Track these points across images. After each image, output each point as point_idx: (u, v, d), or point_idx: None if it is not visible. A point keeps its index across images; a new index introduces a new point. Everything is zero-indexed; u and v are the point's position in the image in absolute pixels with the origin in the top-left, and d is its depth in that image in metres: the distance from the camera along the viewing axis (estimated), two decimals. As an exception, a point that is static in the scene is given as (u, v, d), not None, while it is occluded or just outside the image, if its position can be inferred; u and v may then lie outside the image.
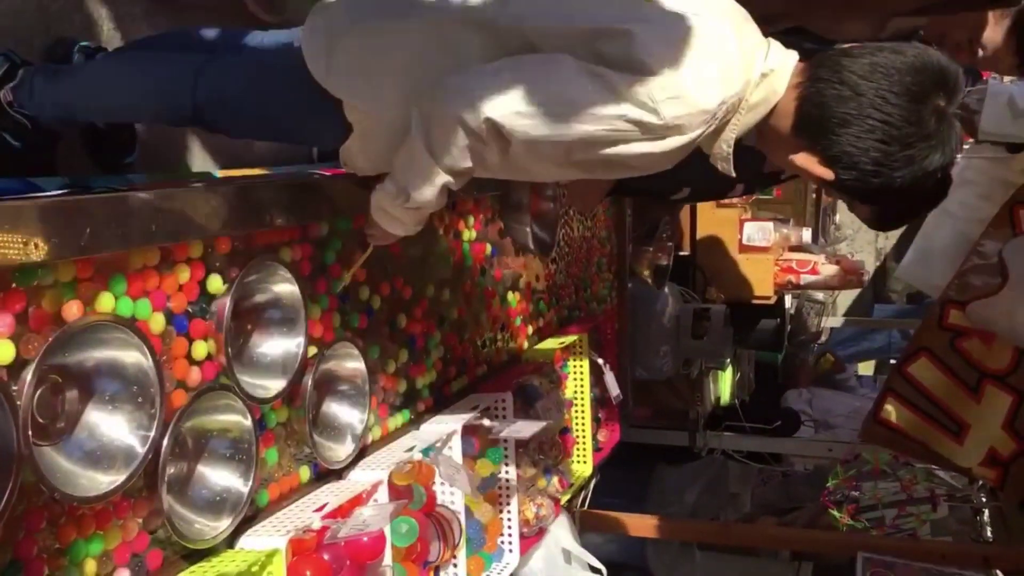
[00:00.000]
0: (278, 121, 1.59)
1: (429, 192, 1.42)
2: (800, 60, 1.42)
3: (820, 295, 5.03)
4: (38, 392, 1.05)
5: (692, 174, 1.59)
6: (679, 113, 1.32)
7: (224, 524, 1.31)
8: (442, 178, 1.40)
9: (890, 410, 2.72)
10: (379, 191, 1.48)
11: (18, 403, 0.97)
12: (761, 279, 3.91)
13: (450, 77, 1.37)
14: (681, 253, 3.89)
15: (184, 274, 1.27)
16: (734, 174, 1.44)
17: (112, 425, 1.13)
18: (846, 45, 1.41)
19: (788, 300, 4.46)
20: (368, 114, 1.48)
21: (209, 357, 1.31)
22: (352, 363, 1.62)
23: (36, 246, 1.01)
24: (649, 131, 1.33)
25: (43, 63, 1.89)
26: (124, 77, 1.74)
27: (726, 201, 3.88)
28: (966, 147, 3.53)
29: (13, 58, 1.80)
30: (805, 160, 1.39)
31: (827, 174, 1.38)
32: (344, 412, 1.63)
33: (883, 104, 1.33)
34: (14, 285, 1.03)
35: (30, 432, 0.99)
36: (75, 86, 1.76)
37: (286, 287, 1.44)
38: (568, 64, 1.34)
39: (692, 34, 1.34)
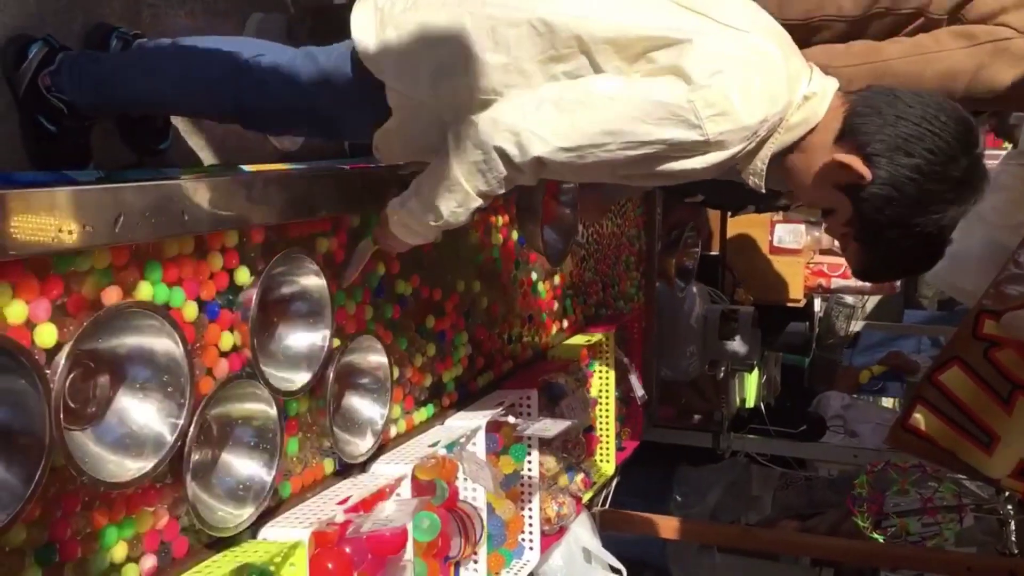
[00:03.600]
0: (319, 113, 1.59)
1: (463, 213, 1.45)
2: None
3: (850, 299, 4.97)
4: (71, 377, 1.06)
5: (704, 185, 1.61)
6: (723, 129, 1.34)
7: (247, 513, 1.31)
8: (474, 200, 1.44)
9: (919, 418, 2.68)
10: (403, 209, 1.50)
11: (52, 387, 0.98)
12: (791, 282, 3.88)
13: (493, 111, 1.39)
14: (711, 253, 3.87)
15: (217, 263, 1.28)
16: (764, 190, 1.47)
17: (142, 412, 1.14)
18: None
19: (817, 303, 4.42)
20: (408, 98, 1.48)
21: (236, 347, 1.31)
22: (375, 356, 1.62)
23: (69, 232, 1.01)
24: (692, 149, 1.36)
25: (81, 49, 1.90)
26: (166, 70, 1.74)
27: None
28: (1003, 152, 3.48)
29: (52, 43, 1.81)
30: (848, 158, 1.39)
31: (867, 172, 1.38)
32: (365, 406, 1.63)
33: (931, 130, 1.36)
34: (52, 271, 1.04)
35: (62, 416, 1.00)
36: (115, 75, 1.77)
37: (313, 280, 1.44)
38: (613, 88, 1.36)
39: (741, 50, 1.37)
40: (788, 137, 1.42)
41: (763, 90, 1.36)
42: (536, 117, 1.37)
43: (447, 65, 1.44)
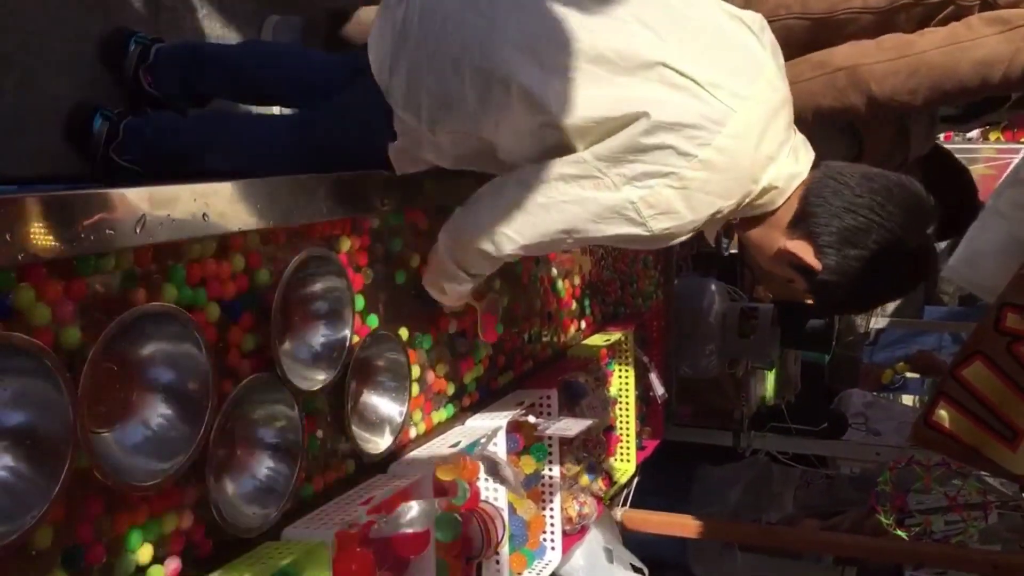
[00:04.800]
0: (372, 148, 1.64)
1: (466, 288, 1.67)
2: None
3: (869, 296, 4.92)
4: (95, 379, 1.06)
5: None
6: (668, 226, 1.42)
7: (270, 513, 1.31)
8: (468, 282, 1.64)
9: (943, 414, 2.65)
10: (426, 284, 1.70)
11: (76, 389, 0.98)
12: (810, 279, 3.84)
13: (462, 216, 1.56)
14: (729, 251, 3.85)
15: (239, 264, 1.28)
16: (712, 244, 1.61)
17: (165, 413, 1.14)
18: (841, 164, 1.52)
19: (837, 300, 4.38)
20: (413, 128, 1.56)
21: (258, 348, 1.31)
22: (392, 353, 1.62)
23: (91, 234, 1.02)
24: (647, 240, 1.45)
25: (136, 115, 1.94)
26: (229, 147, 1.82)
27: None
28: (1021, 146, 3.44)
29: (110, 115, 1.88)
30: (799, 247, 1.48)
31: (816, 264, 1.47)
32: (384, 403, 1.63)
33: (878, 221, 1.43)
34: (75, 274, 1.04)
35: (86, 419, 1.00)
36: (181, 147, 1.84)
37: (334, 279, 1.44)
38: (569, 194, 1.44)
39: (700, 148, 1.37)
40: (748, 212, 1.49)
41: (714, 190, 1.40)
42: (506, 220, 1.48)
43: (443, 99, 1.50)
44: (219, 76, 1.89)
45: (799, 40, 1.85)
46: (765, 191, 1.45)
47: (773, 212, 1.49)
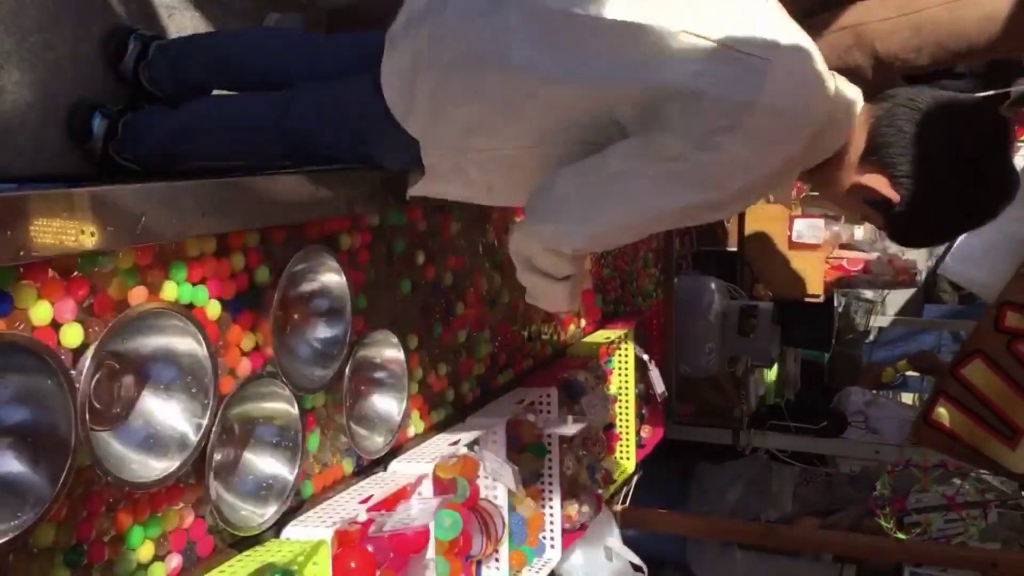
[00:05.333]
0: (359, 155, 1.60)
1: (562, 287, 1.55)
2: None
3: (869, 294, 4.93)
4: (96, 377, 1.07)
5: None
6: (744, 182, 1.36)
7: (270, 512, 1.32)
8: (564, 283, 1.54)
9: (942, 412, 2.66)
10: (532, 301, 1.63)
11: (77, 387, 0.98)
12: (810, 277, 3.85)
13: (527, 215, 1.47)
14: (729, 249, 3.85)
15: (239, 262, 1.28)
16: (790, 204, 1.53)
17: (166, 412, 1.15)
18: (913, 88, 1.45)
19: (837, 298, 4.39)
20: (443, 156, 1.50)
21: (258, 346, 1.31)
22: (390, 351, 1.62)
23: (91, 233, 1.02)
24: (717, 204, 1.38)
25: (135, 112, 1.92)
26: (211, 128, 1.79)
27: (777, 197, 3.83)
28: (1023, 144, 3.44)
29: (109, 113, 1.87)
30: (874, 180, 1.39)
31: (894, 196, 1.38)
32: (382, 401, 1.63)
33: (955, 145, 1.36)
34: (76, 272, 1.04)
35: (87, 416, 1.00)
36: (171, 136, 1.82)
37: (333, 276, 1.44)
38: (627, 168, 1.36)
39: (755, 96, 1.30)
40: (814, 158, 1.42)
41: (782, 135, 1.33)
42: (565, 210, 1.41)
43: (473, 122, 1.45)
44: (214, 66, 1.87)
45: (806, 7, 1.82)
46: (828, 124, 1.37)
47: (840, 152, 1.42)
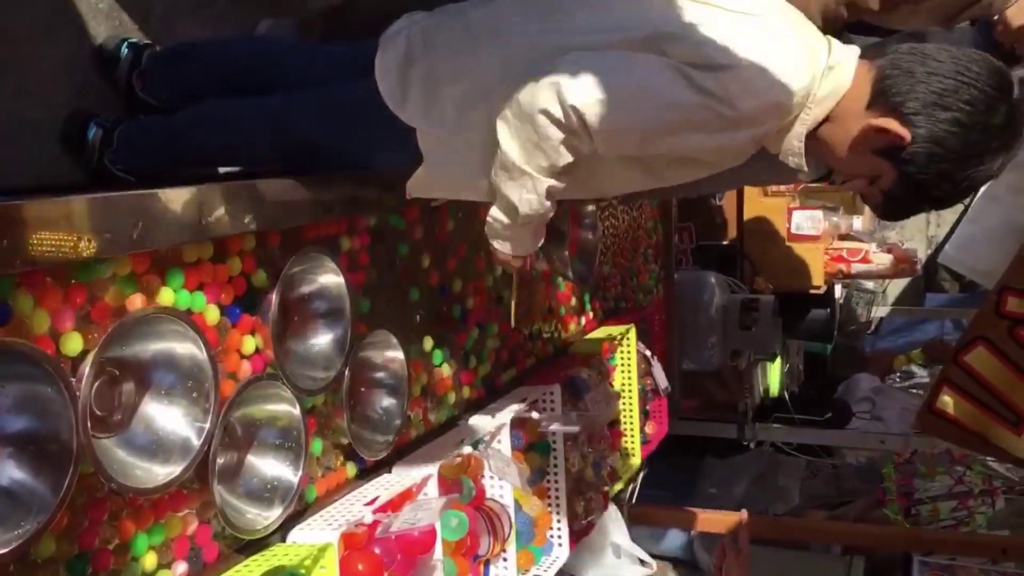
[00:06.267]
0: (353, 156, 1.60)
1: (534, 200, 1.44)
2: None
3: (870, 284, 4.92)
4: (96, 384, 1.06)
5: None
6: (753, 105, 1.35)
7: (275, 514, 1.31)
8: (542, 182, 1.42)
9: (947, 400, 2.65)
10: (489, 223, 1.53)
11: (78, 394, 0.98)
12: (811, 268, 3.84)
13: (528, 81, 1.38)
14: (728, 242, 3.85)
15: (236, 267, 1.28)
16: (806, 169, 1.46)
17: (168, 417, 1.14)
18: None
19: (838, 290, 4.38)
20: (441, 140, 1.49)
21: (258, 349, 1.31)
22: (391, 352, 1.61)
23: (87, 242, 1.01)
24: (725, 122, 1.36)
25: (129, 120, 1.92)
26: (207, 134, 1.78)
27: (774, 189, 3.83)
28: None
29: (104, 123, 1.87)
30: (884, 121, 1.37)
31: (906, 133, 1.36)
32: (383, 402, 1.62)
33: (965, 80, 1.35)
34: (74, 280, 1.04)
35: (89, 423, 1.00)
36: (166, 141, 1.81)
37: (331, 278, 1.43)
38: (648, 57, 1.37)
39: (757, 31, 1.37)
40: (819, 111, 1.41)
41: (784, 66, 1.36)
42: (574, 70, 1.36)
43: (467, 99, 1.45)
44: (208, 72, 1.87)
45: None
46: (830, 69, 1.39)
47: (842, 101, 1.42)
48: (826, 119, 1.43)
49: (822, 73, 1.39)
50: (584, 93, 1.35)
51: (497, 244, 1.57)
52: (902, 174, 1.40)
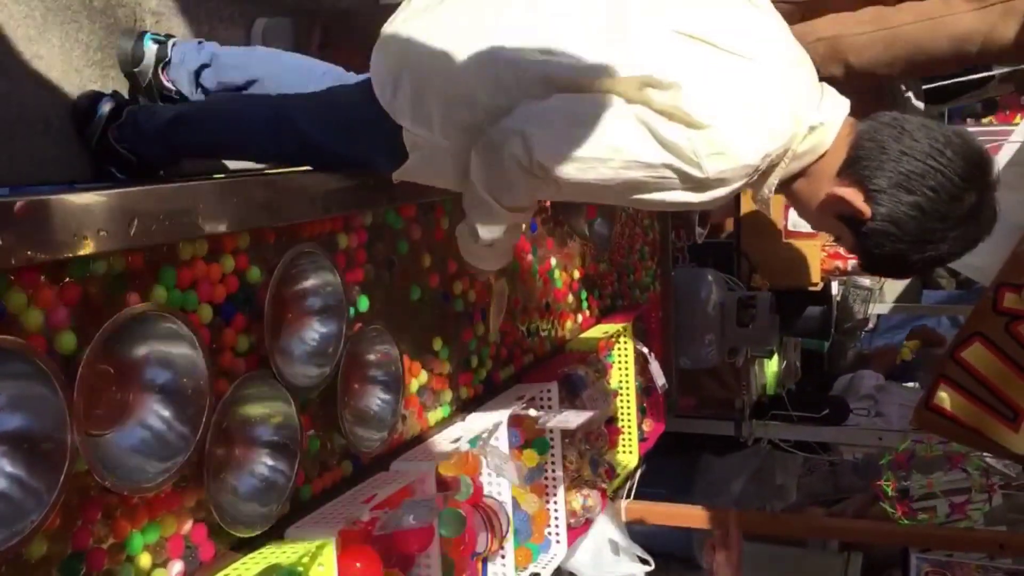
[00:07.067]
0: (347, 153, 1.59)
1: (496, 230, 1.49)
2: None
3: (867, 281, 4.93)
4: (90, 382, 1.06)
5: None
6: (723, 168, 1.34)
7: (271, 512, 1.30)
8: (505, 216, 1.46)
9: (944, 397, 2.66)
10: (458, 234, 1.58)
11: (71, 392, 0.97)
12: (808, 265, 3.85)
13: (504, 119, 1.39)
14: (724, 239, 3.85)
15: (230, 264, 1.27)
16: (771, 215, 1.50)
17: (162, 415, 1.14)
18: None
19: (835, 287, 4.38)
20: (425, 139, 1.49)
21: (252, 347, 1.31)
22: (385, 348, 1.60)
23: (84, 237, 1.01)
24: (692, 182, 1.35)
25: (145, 103, 1.95)
26: (221, 123, 1.78)
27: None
28: (1015, 128, 3.44)
29: (118, 98, 1.89)
30: (848, 192, 1.39)
31: (866, 209, 1.38)
32: (378, 399, 1.61)
33: (935, 166, 1.35)
34: (68, 278, 1.03)
35: (83, 422, 0.99)
36: (175, 127, 1.81)
37: (326, 275, 1.43)
38: (619, 109, 1.34)
39: (740, 87, 1.35)
40: (795, 165, 1.42)
41: (762, 127, 1.35)
42: (544, 122, 1.36)
43: (453, 105, 1.44)
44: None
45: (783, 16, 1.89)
46: (812, 129, 1.39)
47: (818, 161, 1.42)
48: (800, 173, 1.44)
49: (804, 132, 1.38)
50: (552, 149, 1.35)
51: (473, 261, 1.63)
52: (860, 244, 1.43)
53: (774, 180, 1.42)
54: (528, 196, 1.44)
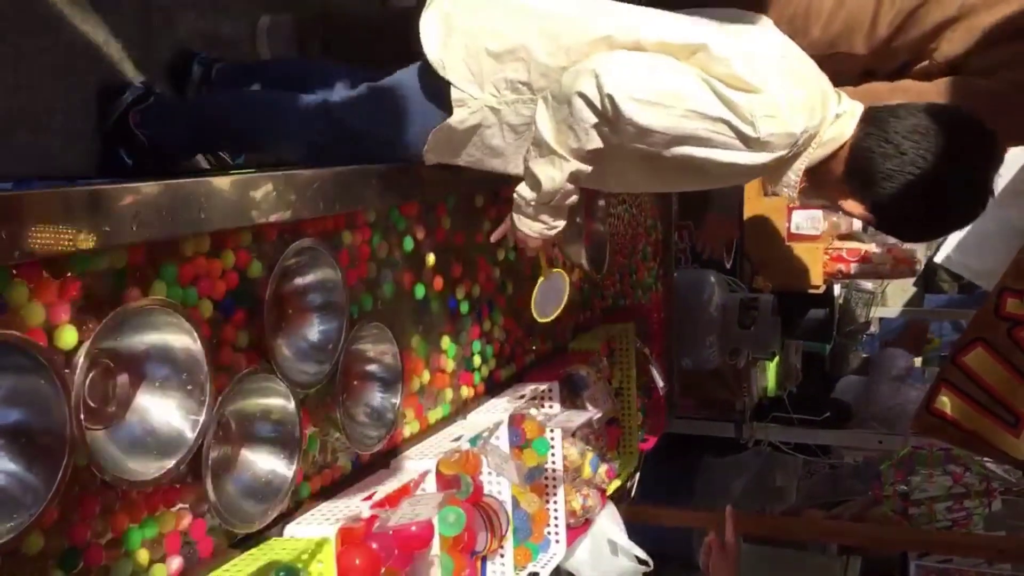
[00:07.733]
0: (388, 133, 1.66)
1: (558, 178, 1.53)
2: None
3: (869, 284, 4.92)
4: (90, 376, 1.06)
5: None
6: (773, 131, 1.46)
7: (270, 508, 1.30)
8: (568, 163, 1.51)
9: (945, 401, 2.66)
10: (515, 198, 1.63)
11: (71, 387, 0.97)
12: (810, 268, 3.85)
13: (577, 65, 1.49)
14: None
15: (230, 260, 1.27)
16: (797, 200, 1.65)
17: (162, 410, 1.13)
18: (894, 104, 1.61)
19: (837, 289, 4.38)
20: (473, 98, 1.57)
21: (252, 342, 1.30)
22: (385, 346, 1.59)
23: (85, 233, 1.01)
24: (743, 142, 1.47)
25: (172, 92, 2.00)
26: (253, 116, 1.83)
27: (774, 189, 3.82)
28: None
29: (150, 87, 1.93)
30: (853, 206, 1.60)
31: (870, 219, 1.62)
32: (377, 396, 1.61)
33: (923, 163, 1.51)
34: (69, 273, 1.03)
35: (82, 416, 0.99)
36: (202, 115, 1.87)
37: (327, 271, 1.43)
38: (684, 66, 1.48)
39: (786, 64, 1.53)
40: (819, 153, 1.55)
41: (804, 102, 1.49)
42: (617, 64, 1.46)
43: (508, 62, 1.54)
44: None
45: None
46: (838, 117, 1.54)
47: (841, 148, 1.56)
48: (825, 160, 1.57)
49: (831, 119, 1.54)
50: (621, 85, 1.43)
51: (518, 220, 1.65)
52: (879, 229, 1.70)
53: (800, 164, 1.54)
54: (592, 137, 1.48)
